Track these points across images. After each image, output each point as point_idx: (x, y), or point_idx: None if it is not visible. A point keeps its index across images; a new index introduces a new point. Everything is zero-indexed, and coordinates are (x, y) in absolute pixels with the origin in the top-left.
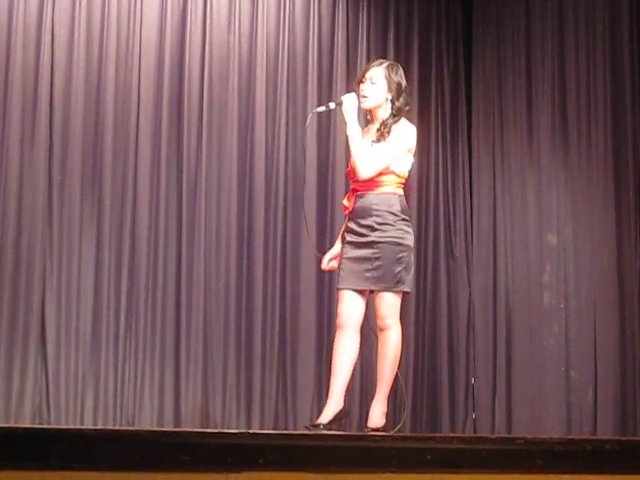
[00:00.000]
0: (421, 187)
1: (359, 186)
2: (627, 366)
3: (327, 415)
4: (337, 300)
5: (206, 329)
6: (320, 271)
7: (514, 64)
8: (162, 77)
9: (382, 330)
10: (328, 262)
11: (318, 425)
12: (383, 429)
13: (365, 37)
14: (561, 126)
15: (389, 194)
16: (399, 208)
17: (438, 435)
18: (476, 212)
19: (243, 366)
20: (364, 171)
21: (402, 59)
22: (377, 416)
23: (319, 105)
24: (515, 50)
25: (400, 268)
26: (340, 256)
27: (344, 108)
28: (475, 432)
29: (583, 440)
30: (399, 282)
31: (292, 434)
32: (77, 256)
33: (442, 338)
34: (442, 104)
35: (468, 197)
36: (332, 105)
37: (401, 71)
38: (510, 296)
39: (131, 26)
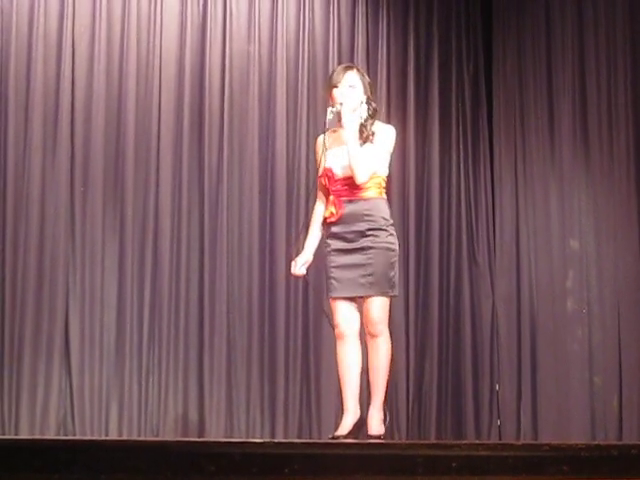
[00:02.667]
0: (443, 194)
1: (345, 191)
2: None
3: (346, 427)
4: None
5: (229, 339)
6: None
7: (534, 70)
8: (182, 87)
9: (373, 337)
10: (299, 267)
11: (338, 438)
12: (383, 436)
13: (385, 45)
14: (583, 132)
15: (378, 199)
16: (388, 213)
17: (463, 442)
18: (498, 218)
19: (267, 375)
20: (363, 175)
21: (422, 67)
22: (377, 424)
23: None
24: (535, 56)
25: (393, 273)
26: (327, 264)
27: (345, 110)
28: (500, 439)
29: (609, 446)
30: (392, 287)
31: (317, 443)
32: (100, 267)
33: (466, 345)
34: (463, 111)
35: (490, 204)
36: (339, 107)
37: None
38: (534, 302)
39: (151, 38)
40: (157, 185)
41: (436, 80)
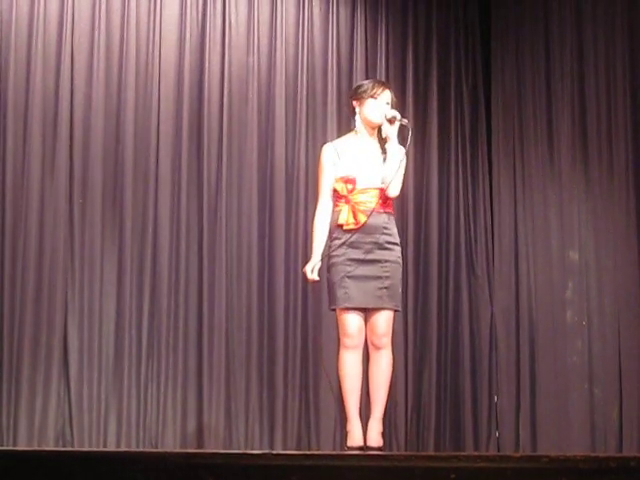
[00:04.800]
0: (442, 205)
1: (368, 202)
2: None
3: (361, 436)
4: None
5: (228, 350)
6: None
7: (533, 81)
8: (181, 98)
9: (378, 349)
10: (315, 273)
11: (362, 448)
12: (383, 448)
13: (384, 56)
14: (581, 143)
15: (392, 213)
16: (397, 228)
17: (461, 454)
18: (497, 230)
19: (266, 387)
20: (398, 190)
21: (421, 77)
22: (377, 435)
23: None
24: (534, 67)
25: (401, 288)
26: (336, 273)
27: (396, 126)
28: (499, 451)
29: (607, 458)
30: (400, 301)
31: (315, 454)
32: (99, 279)
33: (465, 356)
34: (462, 122)
35: (489, 215)
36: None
37: None
38: (533, 313)
39: (150, 48)
40: (156, 196)
41: (435, 92)
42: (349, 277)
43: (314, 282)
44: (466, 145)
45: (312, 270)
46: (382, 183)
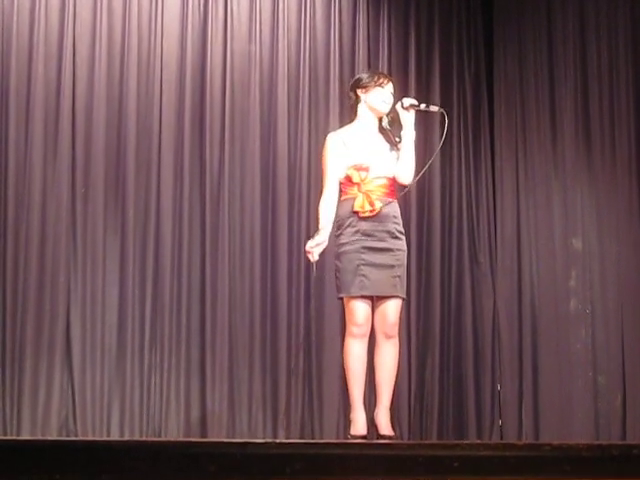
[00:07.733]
0: (444, 194)
1: (381, 190)
2: None
3: (364, 425)
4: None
5: (231, 339)
6: None
7: (536, 69)
8: (184, 87)
9: (390, 337)
10: (314, 247)
11: (365, 437)
12: (394, 438)
13: (386, 45)
14: (584, 131)
15: (397, 203)
16: None
17: (465, 442)
18: (500, 218)
19: (269, 376)
20: (412, 177)
21: (423, 66)
22: (388, 424)
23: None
24: (537, 55)
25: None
26: (350, 260)
27: (412, 113)
28: (502, 439)
29: (610, 446)
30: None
31: (318, 443)
32: (101, 268)
33: (467, 345)
34: (464, 111)
35: (491, 203)
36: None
37: None
38: (535, 302)
39: (152, 38)
40: (158, 186)
41: (437, 81)
42: (365, 265)
43: (312, 259)
44: (469, 134)
45: (312, 247)
46: (398, 171)
